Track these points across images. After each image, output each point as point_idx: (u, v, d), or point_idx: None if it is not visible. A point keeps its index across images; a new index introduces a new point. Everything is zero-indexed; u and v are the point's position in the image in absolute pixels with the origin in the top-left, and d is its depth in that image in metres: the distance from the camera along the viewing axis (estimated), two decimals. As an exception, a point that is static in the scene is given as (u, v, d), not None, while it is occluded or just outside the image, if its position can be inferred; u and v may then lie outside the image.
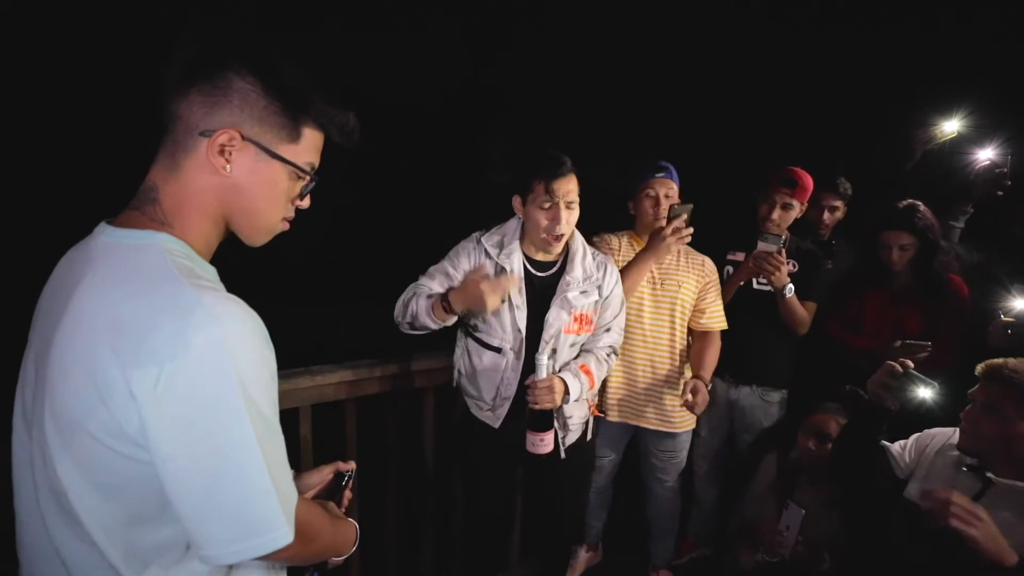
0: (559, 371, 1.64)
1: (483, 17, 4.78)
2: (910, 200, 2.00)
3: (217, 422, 0.64)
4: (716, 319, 1.99)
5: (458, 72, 4.99)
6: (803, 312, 2.07)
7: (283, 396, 1.61)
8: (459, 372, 1.76)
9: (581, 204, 1.59)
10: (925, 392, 1.28)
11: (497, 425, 1.70)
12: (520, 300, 1.61)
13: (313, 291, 4.63)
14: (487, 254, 1.63)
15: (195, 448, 0.64)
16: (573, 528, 2.01)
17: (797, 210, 2.10)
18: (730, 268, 2.17)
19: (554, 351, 1.64)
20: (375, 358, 1.87)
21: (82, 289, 0.68)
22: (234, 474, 0.66)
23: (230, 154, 0.72)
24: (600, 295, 1.69)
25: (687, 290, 1.96)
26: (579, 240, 1.68)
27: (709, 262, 2.02)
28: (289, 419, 1.68)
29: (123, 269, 0.68)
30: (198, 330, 0.63)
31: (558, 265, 1.67)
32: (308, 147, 0.78)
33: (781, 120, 3.08)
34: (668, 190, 1.93)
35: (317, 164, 0.81)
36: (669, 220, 1.77)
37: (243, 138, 0.72)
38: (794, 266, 2.12)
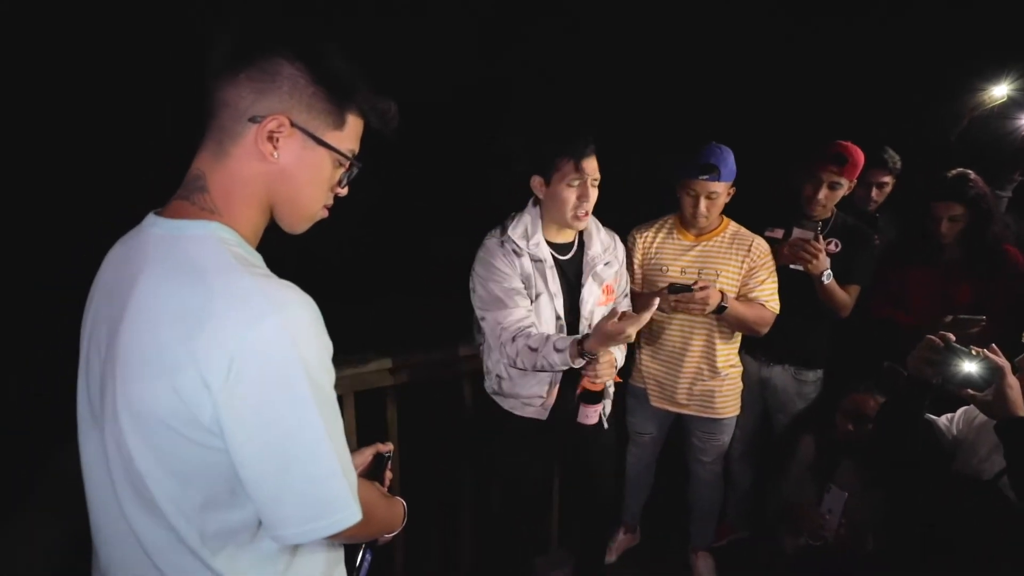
0: None
1: (496, 10, 4.75)
2: (960, 169, 1.91)
3: (287, 406, 0.66)
4: (765, 298, 1.88)
5: (474, 66, 4.98)
6: (843, 296, 1.98)
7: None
8: (499, 377, 1.70)
9: (605, 197, 1.59)
10: (970, 365, 1.23)
11: (546, 417, 1.69)
12: (556, 287, 1.61)
13: (345, 286, 4.73)
14: (516, 251, 1.59)
15: (267, 432, 0.66)
16: (611, 504, 2.02)
17: (845, 188, 1.98)
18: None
19: (590, 327, 1.66)
20: (415, 346, 1.90)
21: (143, 282, 0.69)
22: (306, 456, 0.67)
23: (278, 140, 0.72)
24: (618, 263, 1.73)
25: (727, 277, 1.89)
26: (590, 215, 1.68)
27: (759, 244, 1.90)
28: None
29: (182, 261, 0.69)
30: (263, 318, 0.64)
31: (576, 244, 1.68)
32: (351, 134, 0.79)
33: (819, 92, 2.97)
34: (710, 192, 1.81)
35: (357, 151, 0.82)
36: (671, 291, 1.74)
37: (292, 124, 0.72)
38: (836, 245, 2.02)
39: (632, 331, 1.42)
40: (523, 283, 1.60)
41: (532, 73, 4.75)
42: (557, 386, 1.67)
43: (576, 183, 1.53)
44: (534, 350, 1.52)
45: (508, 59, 4.92)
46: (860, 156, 1.96)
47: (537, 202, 1.64)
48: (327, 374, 0.71)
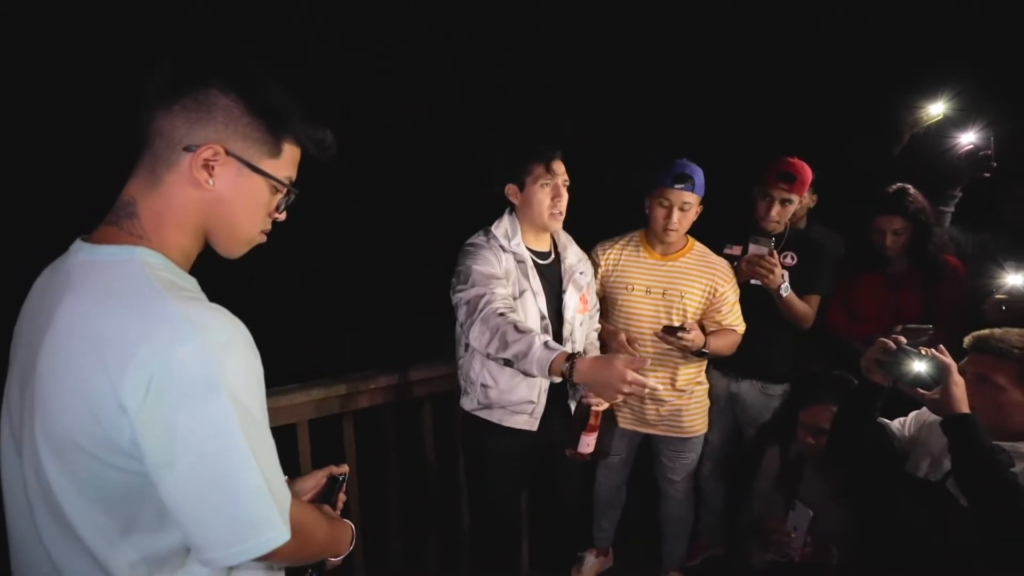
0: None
1: (475, 31, 4.87)
2: (900, 184, 1.99)
3: (208, 428, 0.66)
4: (735, 322, 1.96)
5: (452, 87, 5.07)
6: (803, 307, 2.02)
7: (279, 412, 1.65)
8: (484, 386, 1.65)
9: (579, 214, 1.70)
10: (919, 365, 1.29)
11: (535, 427, 1.68)
12: (539, 287, 1.67)
13: (320, 313, 4.68)
14: (502, 247, 1.65)
15: (187, 455, 0.65)
16: (582, 523, 2.01)
17: (797, 203, 2.04)
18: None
19: (571, 333, 1.72)
20: (369, 370, 1.88)
21: (64, 307, 0.69)
22: (228, 478, 0.67)
23: (213, 168, 0.74)
24: (591, 275, 1.84)
25: (691, 299, 1.92)
26: (562, 231, 1.79)
27: (724, 266, 1.96)
28: (287, 435, 1.71)
29: (104, 285, 0.69)
30: (183, 340, 0.65)
31: (553, 252, 1.76)
32: (287, 162, 0.81)
33: (773, 109, 3.10)
34: (684, 203, 1.84)
35: (295, 177, 0.83)
36: (665, 331, 1.83)
37: (227, 153, 0.74)
38: (792, 258, 2.08)
39: (626, 385, 1.31)
40: (505, 278, 1.63)
41: (509, 96, 4.85)
42: (546, 394, 1.68)
43: (548, 184, 1.62)
44: (520, 332, 1.42)
45: (485, 83, 5.01)
46: (808, 172, 2.02)
47: (513, 210, 1.71)
48: (253, 394, 0.70)
